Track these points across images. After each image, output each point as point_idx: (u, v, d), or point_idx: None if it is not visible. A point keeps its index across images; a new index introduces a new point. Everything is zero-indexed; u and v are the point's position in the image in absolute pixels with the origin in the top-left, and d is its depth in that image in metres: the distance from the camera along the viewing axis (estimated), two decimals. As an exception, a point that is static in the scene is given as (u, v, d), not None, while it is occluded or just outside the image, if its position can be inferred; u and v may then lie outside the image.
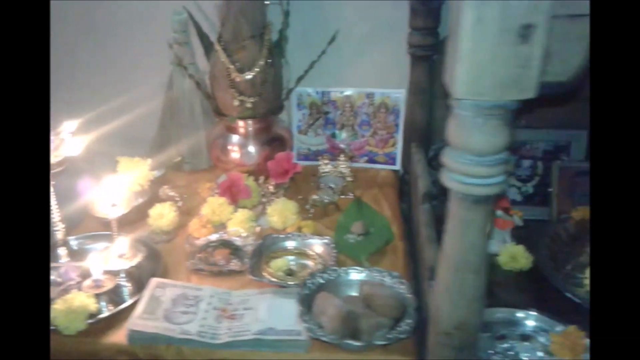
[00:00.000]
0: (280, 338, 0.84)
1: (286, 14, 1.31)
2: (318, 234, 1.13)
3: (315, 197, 1.24)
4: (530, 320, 0.93)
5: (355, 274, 0.98)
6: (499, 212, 1.21)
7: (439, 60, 1.31)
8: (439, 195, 1.37)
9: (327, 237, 1.09)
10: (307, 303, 0.89)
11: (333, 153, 1.46)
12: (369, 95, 1.41)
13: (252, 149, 1.33)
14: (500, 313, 0.92)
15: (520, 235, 1.27)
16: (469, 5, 0.49)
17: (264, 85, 1.27)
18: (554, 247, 1.23)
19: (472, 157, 0.57)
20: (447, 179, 0.61)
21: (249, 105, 1.27)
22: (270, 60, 1.27)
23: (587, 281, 1.09)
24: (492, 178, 0.58)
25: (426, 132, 1.36)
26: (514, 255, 1.16)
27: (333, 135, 1.46)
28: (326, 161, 1.38)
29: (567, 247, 1.23)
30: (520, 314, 0.94)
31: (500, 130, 0.56)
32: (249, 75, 1.24)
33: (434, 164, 1.36)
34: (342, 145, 1.45)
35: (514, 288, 1.11)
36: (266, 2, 1.26)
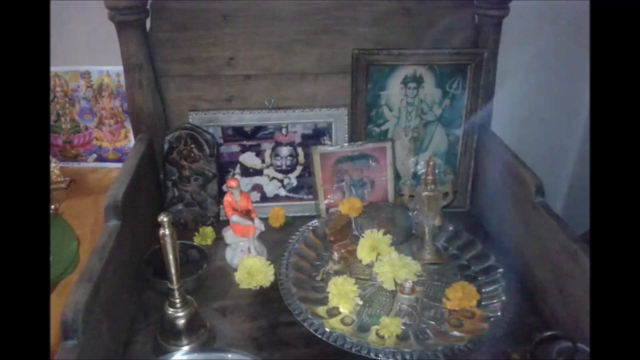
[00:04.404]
0: None
1: None
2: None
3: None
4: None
5: None
6: (235, 217, 0.97)
7: (157, 26, 1.02)
8: (176, 202, 1.11)
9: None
10: None
11: (52, 152, 1.13)
12: (84, 75, 1.09)
13: None
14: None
15: (282, 239, 1.05)
16: None
17: None
18: (309, 254, 1.01)
19: None
20: None
21: None
22: None
23: (332, 297, 0.88)
24: None
25: (156, 118, 1.07)
26: (250, 270, 0.93)
27: (48, 129, 1.13)
28: (28, 164, 1.05)
29: (325, 252, 1.02)
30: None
31: None
32: None
33: (170, 159, 1.08)
34: (59, 142, 1.13)
35: (244, 315, 0.88)
36: None
